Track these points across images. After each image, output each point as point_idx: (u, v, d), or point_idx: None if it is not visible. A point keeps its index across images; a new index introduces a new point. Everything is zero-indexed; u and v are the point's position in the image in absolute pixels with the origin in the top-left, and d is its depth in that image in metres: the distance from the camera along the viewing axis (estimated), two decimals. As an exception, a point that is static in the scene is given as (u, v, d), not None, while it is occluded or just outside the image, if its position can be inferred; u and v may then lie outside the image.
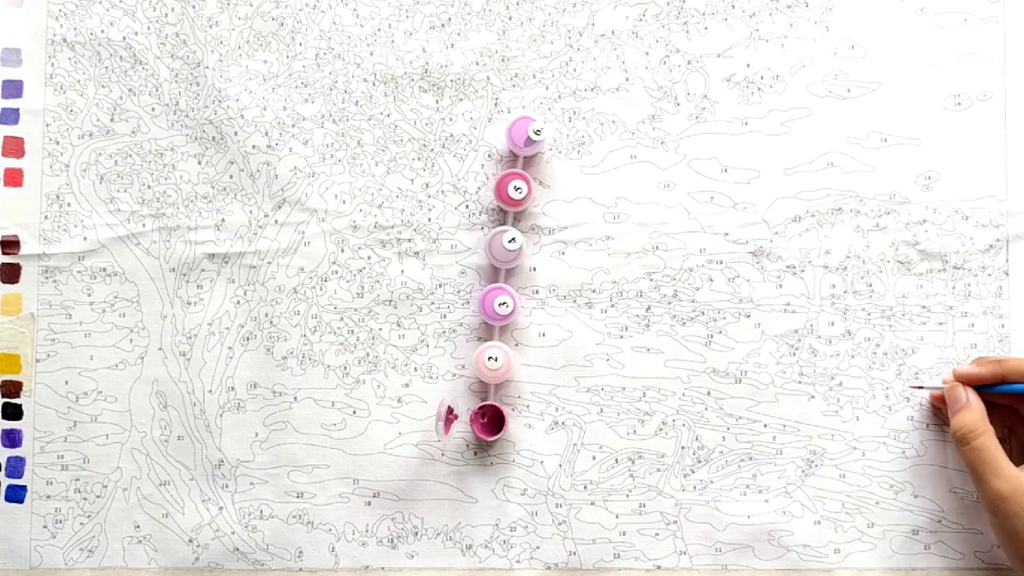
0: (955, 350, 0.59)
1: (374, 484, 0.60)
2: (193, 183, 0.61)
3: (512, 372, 0.59)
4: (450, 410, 0.57)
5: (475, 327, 0.60)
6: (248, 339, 0.60)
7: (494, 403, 0.59)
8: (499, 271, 0.59)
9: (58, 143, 0.61)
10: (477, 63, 0.60)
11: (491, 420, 0.59)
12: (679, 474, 0.59)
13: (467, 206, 0.60)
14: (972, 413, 0.54)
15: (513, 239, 0.56)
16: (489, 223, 0.60)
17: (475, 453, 0.60)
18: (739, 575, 0.59)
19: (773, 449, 0.59)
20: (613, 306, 0.59)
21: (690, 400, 0.59)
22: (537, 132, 0.57)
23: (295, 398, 0.60)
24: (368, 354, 0.60)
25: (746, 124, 0.60)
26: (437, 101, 0.60)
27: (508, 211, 0.59)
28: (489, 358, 0.57)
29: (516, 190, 0.57)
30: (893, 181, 0.59)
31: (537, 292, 0.60)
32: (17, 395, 0.60)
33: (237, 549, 0.60)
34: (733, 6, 0.60)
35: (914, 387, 0.58)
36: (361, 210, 0.60)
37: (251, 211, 0.60)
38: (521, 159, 0.59)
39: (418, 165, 0.60)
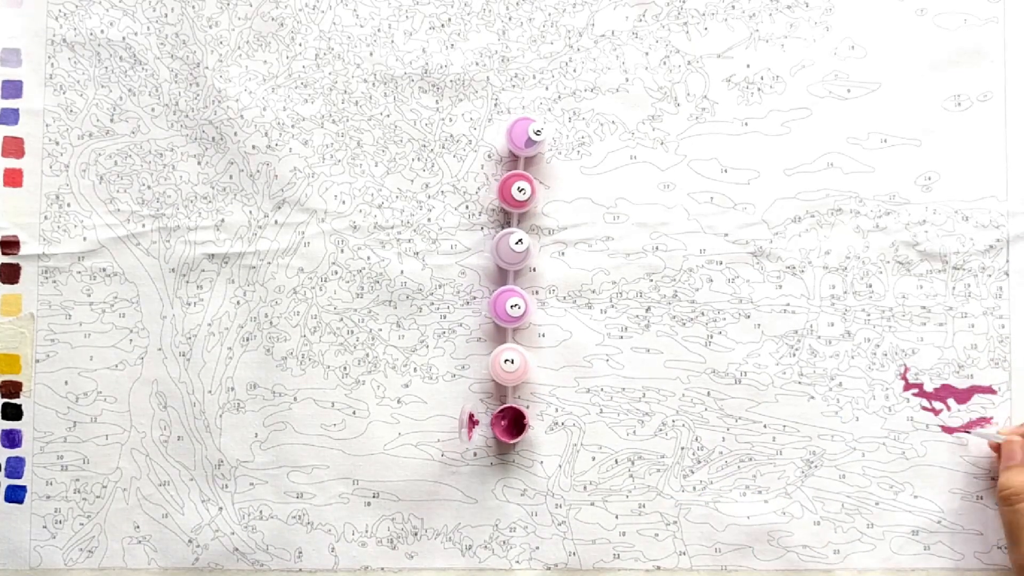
0: (955, 351, 0.59)
1: (374, 484, 0.60)
2: (193, 183, 0.61)
3: (528, 374, 0.59)
4: (471, 416, 0.57)
5: (475, 327, 0.60)
6: (248, 339, 0.60)
7: (514, 405, 0.58)
8: (507, 273, 0.59)
9: (58, 143, 0.61)
10: (477, 63, 0.60)
11: (511, 422, 0.59)
12: (679, 475, 0.59)
13: (467, 206, 0.60)
14: (1022, 475, 0.54)
15: (520, 240, 0.56)
16: (489, 223, 0.60)
17: (475, 454, 0.60)
18: (739, 576, 0.59)
19: (773, 450, 0.59)
20: (613, 306, 0.59)
21: (690, 401, 0.59)
22: (537, 132, 0.57)
23: (295, 398, 0.60)
24: (368, 354, 0.60)
25: (746, 124, 0.60)
26: (437, 101, 0.60)
27: (512, 212, 0.59)
28: (506, 360, 0.57)
29: (520, 191, 0.57)
30: (893, 182, 0.59)
31: (537, 293, 0.60)
32: (17, 395, 0.60)
33: (237, 549, 0.60)
34: (733, 7, 0.60)
35: (965, 430, 0.58)
36: (361, 210, 0.60)
37: (251, 211, 0.60)
38: (522, 160, 0.59)
39: (418, 165, 0.60)
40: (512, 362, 0.57)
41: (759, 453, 0.59)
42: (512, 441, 0.58)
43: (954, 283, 0.59)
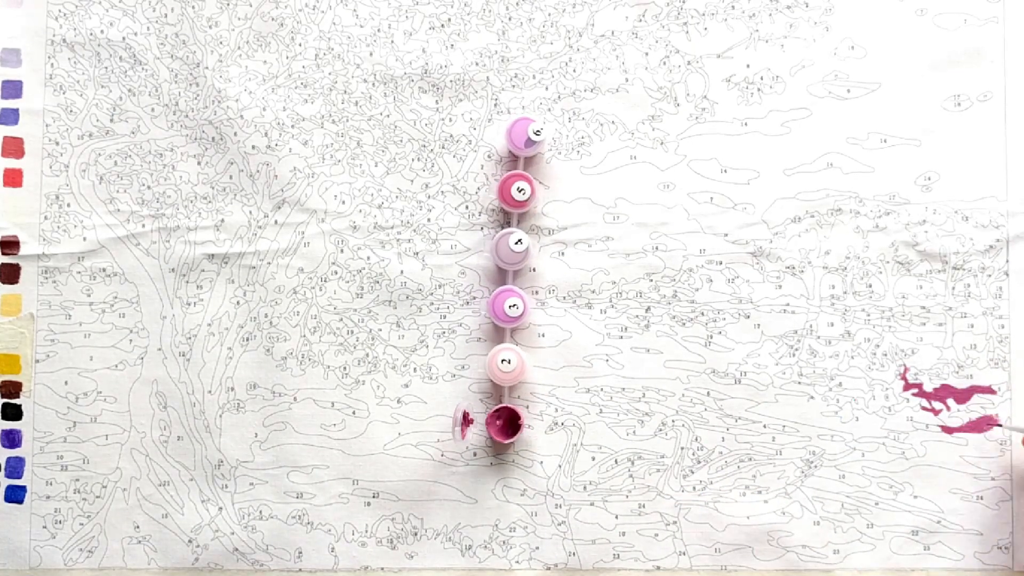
0: (955, 351, 0.59)
1: (373, 485, 0.60)
2: (193, 183, 0.61)
3: (525, 374, 0.59)
4: (466, 415, 0.57)
5: (475, 327, 0.60)
6: (248, 339, 0.60)
7: (509, 405, 0.58)
8: (506, 273, 0.59)
9: (58, 143, 0.61)
10: (477, 63, 0.60)
11: (506, 422, 0.59)
12: (678, 475, 0.59)
13: (467, 206, 0.60)
14: None
15: (520, 240, 0.56)
16: (489, 223, 0.60)
17: (475, 454, 0.60)
18: (738, 576, 0.59)
19: (772, 450, 0.59)
20: (613, 306, 0.59)
21: (689, 401, 0.59)
22: (537, 133, 0.57)
23: (295, 398, 0.60)
24: (368, 354, 0.60)
25: (746, 124, 0.60)
26: (437, 101, 0.60)
27: (512, 213, 0.59)
28: (503, 360, 0.57)
29: (519, 191, 0.57)
30: (893, 182, 0.59)
31: (537, 293, 0.60)
32: (17, 395, 0.60)
33: (237, 549, 0.60)
34: (733, 7, 0.60)
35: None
36: (361, 210, 0.60)
37: (251, 211, 0.60)
38: (522, 160, 0.59)
39: (418, 165, 0.60)
40: (509, 362, 0.57)
41: (759, 453, 0.59)
42: (507, 441, 0.58)
43: (954, 283, 0.59)
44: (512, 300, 0.57)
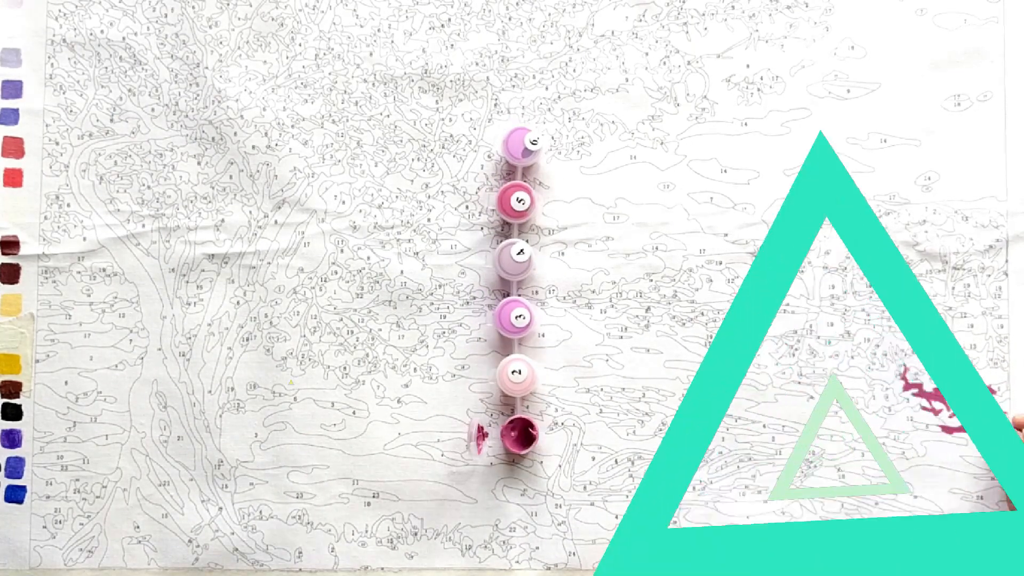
0: (955, 351, 0.59)
1: (373, 484, 0.60)
2: (193, 183, 0.61)
3: (536, 383, 0.59)
4: (480, 428, 0.57)
5: (475, 327, 0.60)
6: (248, 339, 0.60)
7: (524, 416, 0.58)
8: (510, 283, 0.59)
9: (58, 143, 0.61)
10: (477, 63, 0.60)
11: (520, 432, 0.58)
12: (679, 474, 0.59)
13: (467, 206, 0.60)
14: None
15: (522, 251, 0.56)
16: (489, 224, 0.60)
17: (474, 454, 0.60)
18: (739, 575, 0.59)
19: (772, 449, 0.59)
20: (613, 306, 0.59)
21: (690, 401, 0.59)
22: (534, 142, 0.56)
23: (295, 398, 0.60)
24: (368, 354, 0.60)
25: (746, 124, 0.60)
26: (437, 101, 0.60)
27: (512, 223, 0.59)
28: (513, 372, 0.56)
29: (519, 202, 0.57)
30: (893, 182, 0.59)
31: (537, 293, 0.60)
32: (17, 395, 0.60)
33: (237, 549, 0.60)
34: (733, 7, 0.60)
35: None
36: (361, 210, 0.60)
37: (251, 211, 0.60)
38: (520, 169, 0.59)
39: (418, 165, 0.60)
40: (519, 372, 0.57)
41: (759, 453, 0.59)
42: (523, 452, 0.58)
43: (954, 283, 0.59)
44: (518, 311, 0.57)
